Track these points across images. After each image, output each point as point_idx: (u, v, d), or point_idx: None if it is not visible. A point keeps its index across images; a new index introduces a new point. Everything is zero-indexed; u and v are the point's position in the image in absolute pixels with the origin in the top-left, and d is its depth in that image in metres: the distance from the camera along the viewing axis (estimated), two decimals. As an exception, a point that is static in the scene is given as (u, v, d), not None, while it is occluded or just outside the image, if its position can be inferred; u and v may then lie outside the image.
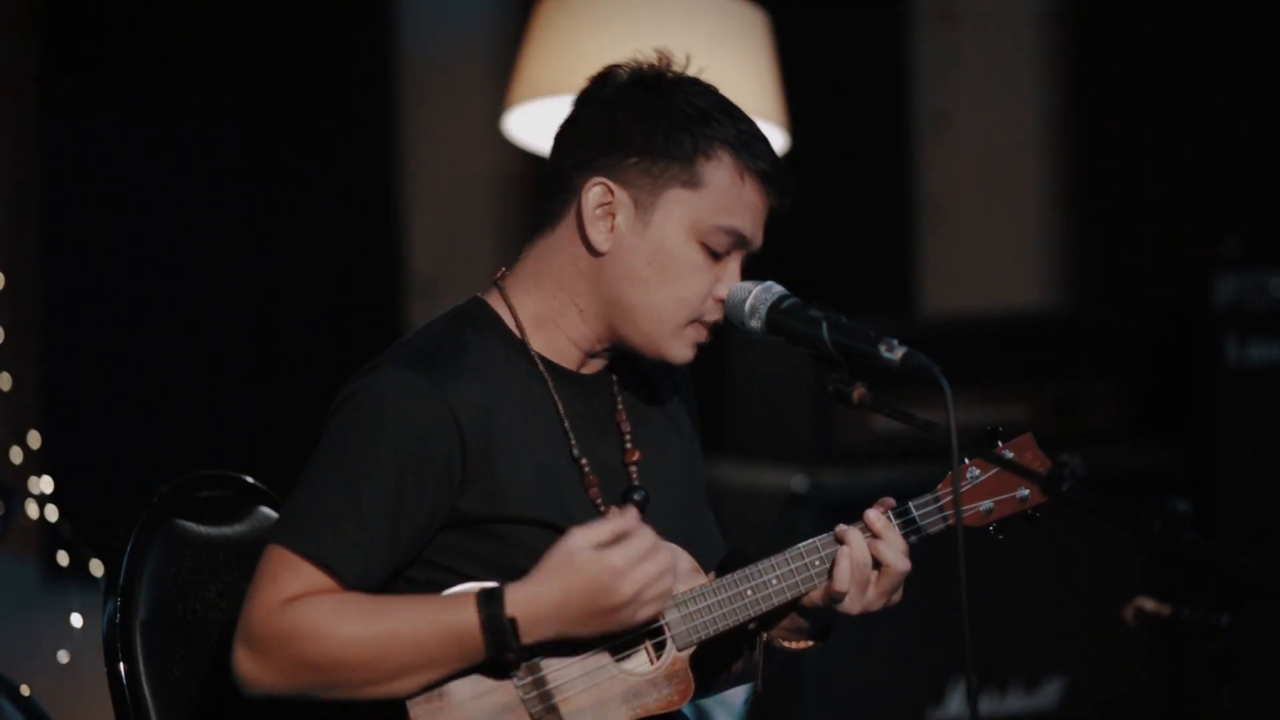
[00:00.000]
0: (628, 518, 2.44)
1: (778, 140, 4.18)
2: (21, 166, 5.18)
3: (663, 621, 2.49)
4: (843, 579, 2.51)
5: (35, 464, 4.50)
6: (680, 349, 2.55)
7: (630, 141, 2.52)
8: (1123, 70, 5.57)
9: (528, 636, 2.38)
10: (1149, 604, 3.35)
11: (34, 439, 4.54)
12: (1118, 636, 4.32)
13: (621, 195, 2.51)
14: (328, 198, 5.42)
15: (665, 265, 2.51)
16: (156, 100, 5.23)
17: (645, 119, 2.52)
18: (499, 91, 4.59)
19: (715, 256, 2.53)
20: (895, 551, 2.53)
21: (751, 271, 2.61)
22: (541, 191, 2.58)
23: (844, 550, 2.52)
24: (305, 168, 5.40)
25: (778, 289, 2.55)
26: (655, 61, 2.58)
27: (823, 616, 2.59)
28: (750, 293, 2.55)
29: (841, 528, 2.54)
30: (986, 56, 5.76)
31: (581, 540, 2.40)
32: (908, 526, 2.56)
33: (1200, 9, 5.47)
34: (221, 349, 5.30)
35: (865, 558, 2.52)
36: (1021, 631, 4.66)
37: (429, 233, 5.52)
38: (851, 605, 2.53)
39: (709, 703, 4.23)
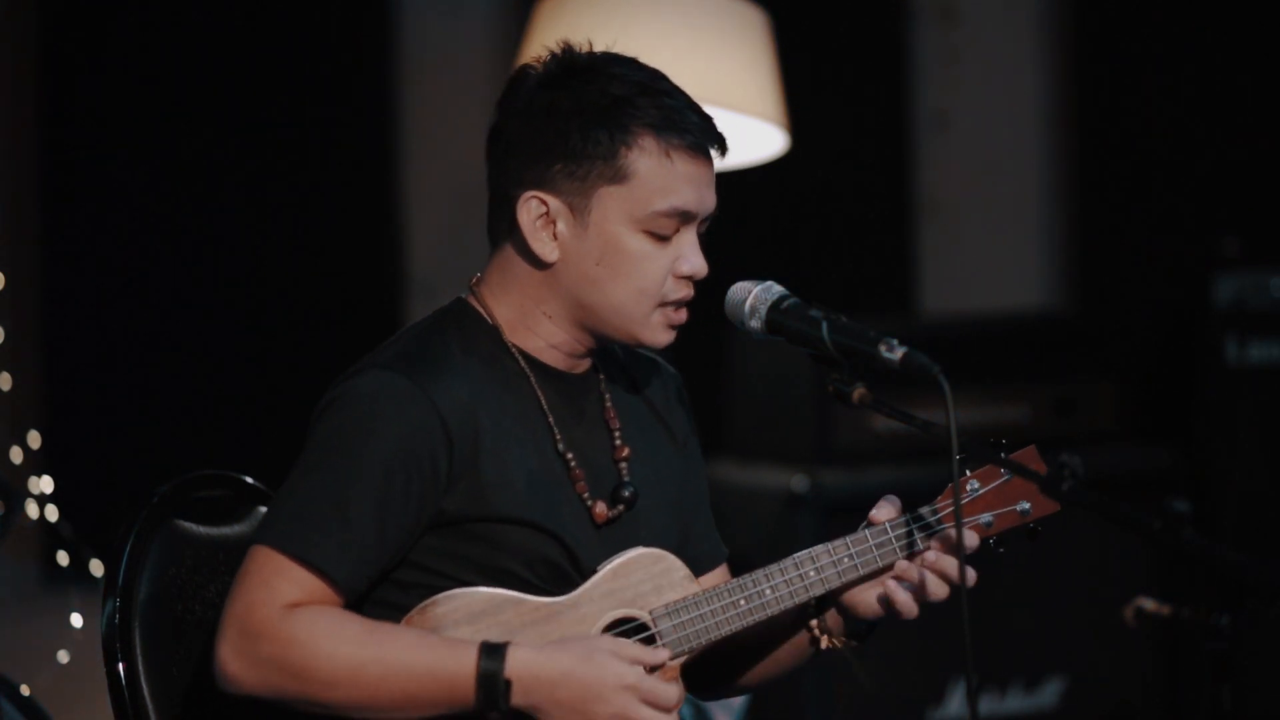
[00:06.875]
0: (661, 655, 2.45)
1: (777, 141, 4.18)
2: (21, 168, 5.18)
3: (654, 630, 2.49)
4: (910, 611, 2.58)
5: (35, 464, 4.49)
6: (655, 334, 2.53)
7: (550, 149, 2.48)
8: (1123, 70, 5.57)
9: (518, 700, 2.37)
10: (1149, 604, 3.35)
11: (34, 439, 4.53)
12: (1118, 636, 4.32)
13: (555, 204, 2.49)
14: (328, 198, 5.43)
15: (615, 262, 2.48)
16: (155, 101, 5.23)
17: (559, 122, 2.48)
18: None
19: (665, 239, 2.50)
20: (953, 573, 2.55)
21: (752, 271, 2.60)
22: (488, 207, 2.57)
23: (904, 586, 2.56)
24: (305, 168, 5.40)
25: (778, 289, 2.53)
26: (559, 53, 2.54)
27: (865, 620, 2.60)
28: (750, 293, 2.54)
29: (901, 565, 2.56)
30: (986, 56, 5.76)
31: (612, 643, 2.41)
32: (908, 537, 2.55)
33: (1200, 9, 5.47)
34: (221, 349, 5.31)
35: (940, 595, 2.56)
36: (1021, 631, 4.66)
37: (429, 233, 5.52)
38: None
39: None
